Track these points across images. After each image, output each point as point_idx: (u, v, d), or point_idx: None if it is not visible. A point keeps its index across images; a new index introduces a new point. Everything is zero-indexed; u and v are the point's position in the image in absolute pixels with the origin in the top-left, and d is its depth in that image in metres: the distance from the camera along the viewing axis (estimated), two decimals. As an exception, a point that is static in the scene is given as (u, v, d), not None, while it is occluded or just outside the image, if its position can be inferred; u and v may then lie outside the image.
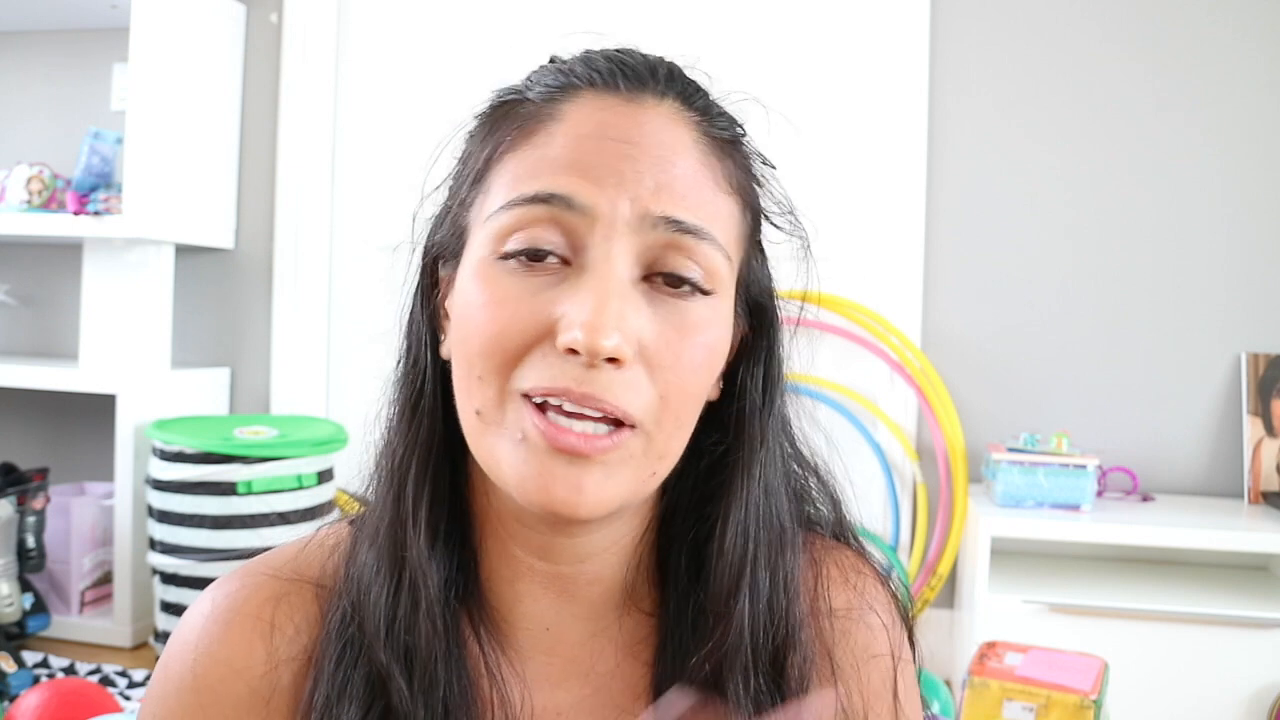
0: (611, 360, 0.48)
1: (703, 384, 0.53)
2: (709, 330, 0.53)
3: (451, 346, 0.55)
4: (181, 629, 0.57)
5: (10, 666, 1.92)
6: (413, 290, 0.59)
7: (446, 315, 0.57)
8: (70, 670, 2.06)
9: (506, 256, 0.51)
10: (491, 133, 0.55)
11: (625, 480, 0.51)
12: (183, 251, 2.46)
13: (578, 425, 0.49)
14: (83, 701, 1.56)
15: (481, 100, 0.58)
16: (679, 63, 0.57)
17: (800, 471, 0.62)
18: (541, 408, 0.50)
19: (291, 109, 2.49)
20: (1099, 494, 2.01)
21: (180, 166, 2.34)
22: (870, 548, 0.67)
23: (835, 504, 0.65)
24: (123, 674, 2.06)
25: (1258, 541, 1.79)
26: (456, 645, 0.55)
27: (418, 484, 0.56)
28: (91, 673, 2.05)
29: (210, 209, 2.46)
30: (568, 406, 0.49)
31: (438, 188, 0.59)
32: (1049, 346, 2.18)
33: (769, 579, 0.57)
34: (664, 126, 0.53)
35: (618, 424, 0.50)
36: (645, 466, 0.52)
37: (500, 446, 0.51)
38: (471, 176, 0.56)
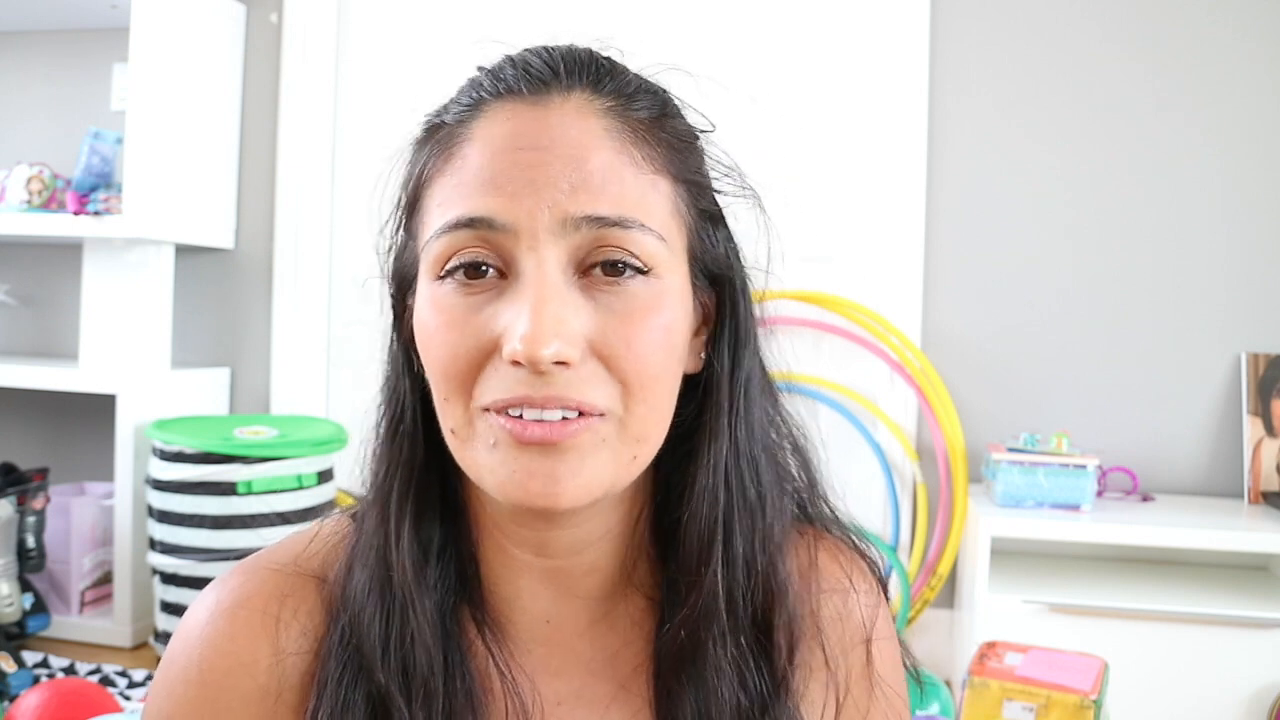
0: (560, 363, 0.49)
1: (663, 364, 0.53)
2: (656, 310, 0.52)
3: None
4: (187, 623, 0.57)
5: (10, 666, 1.92)
6: (390, 320, 0.61)
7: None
8: (70, 670, 2.06)
9: (444, 276, 0.52)
10: (417, 160, 0.57)
11: (603, 464, 0.52)
12: (183, 251, 2.46)
13: (545, 415, 0.50)
14: (83, 701, 1.56)
15: (415, 125, 0.60)
16: (594, 46, 0.57)
17: (776, 440, 0.62)
18: (505, 414, 0.51)
19: (291, 109, 2.49)
20: (1099, 494, 2.01)
21: (180, 166, 2.34)
22: (849, 523, 0.67)
23: (810, 472, 0.65)
24: (123, 674, 2.06)
25: (1258, 541, 1.79)
26: (457, 654, 0.56)
27: (400, 504, 0.57)
28: (91, 673, 2.05)
29: (210, 209, 2.46)
30: (529, 414, 0.50)
31: (389, 221, 0.60)
32: (1049, 346, 2.18)
33: (744, 542, 0.58)
34: (572, 123, 0.52)
35: (581, 415, 0.51)
36: (624, 451, 0.53)
37: (478, 457, 0.52)
38: (408, 204, 0.58)
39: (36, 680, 1.95)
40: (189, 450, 2.03)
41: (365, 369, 2.52)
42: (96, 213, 2.23)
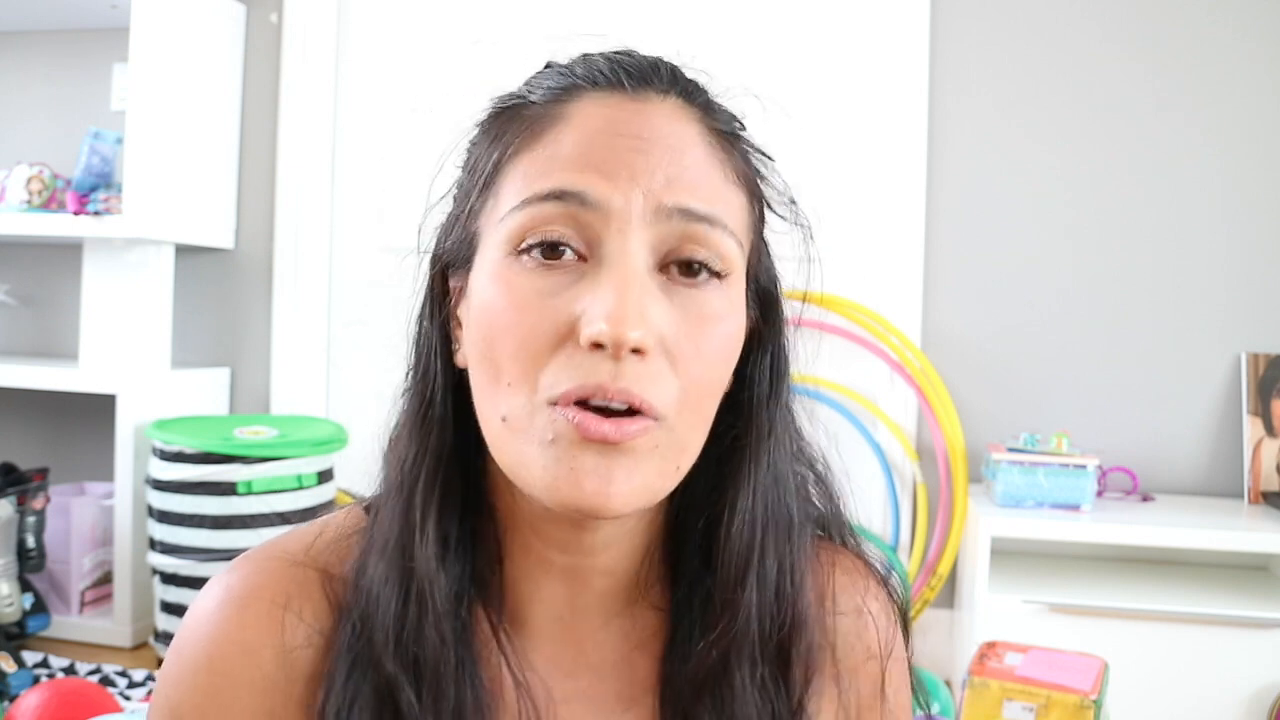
0: (636, 351, 0.49)
1: (721, 375, 0.54)
2: (726, 319, 0.53)
3: (469, 354, 0.54)
4: (195, 613, 0.57)
5: (10, 666, 1.92)
6: (422, 300, 0.59)
7: (459, 324, 0.57)
8: (70, 670, 2.06)
9: (522, 252, 0.51)
10: (497, 138, 0.56)
11: (651, 473, 0.51)
12: (183, 251, 2.46)
13: (613, 405, 0.49)
14: (83, 701, 1.56)
15: (482, 107, 0.58)
16: (677, 62, 0.58)
17: (799, 470, 0.63)
18: (574, 406, 0.49)
19: (291, 109, 2.49)
20: (1099, 494, 2.01)
21: (180, 166, 2.34)
22: (869, 548, 0.67)
23: (834, 501, 0.65)
24: (123, 674, 2.06)
25: (1258, 541, 1.79)
26: (468, 649, 0.55)
27: (426, 494, 0.56)
28: (91, 673, 2.05)
29: (210, 209, 2.46)
30: (595, 402, 0.49)
31: (443, 198, 0.59)
32: (1049, 346, 2.18)
33: (776, 567, 0.58)
34: (670, 121, 0.53)
35: (641, 414, 0.50)
36: (669, 460, 0.52)
37: (528, 451, 0.50)
38: (480, 183, 0.56)
39: (36, 680, 1.95)
40: (189, 450, 2.03)
41: (365, 369, 2.52)
42: (96, 213, 2.23)
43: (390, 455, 0.59)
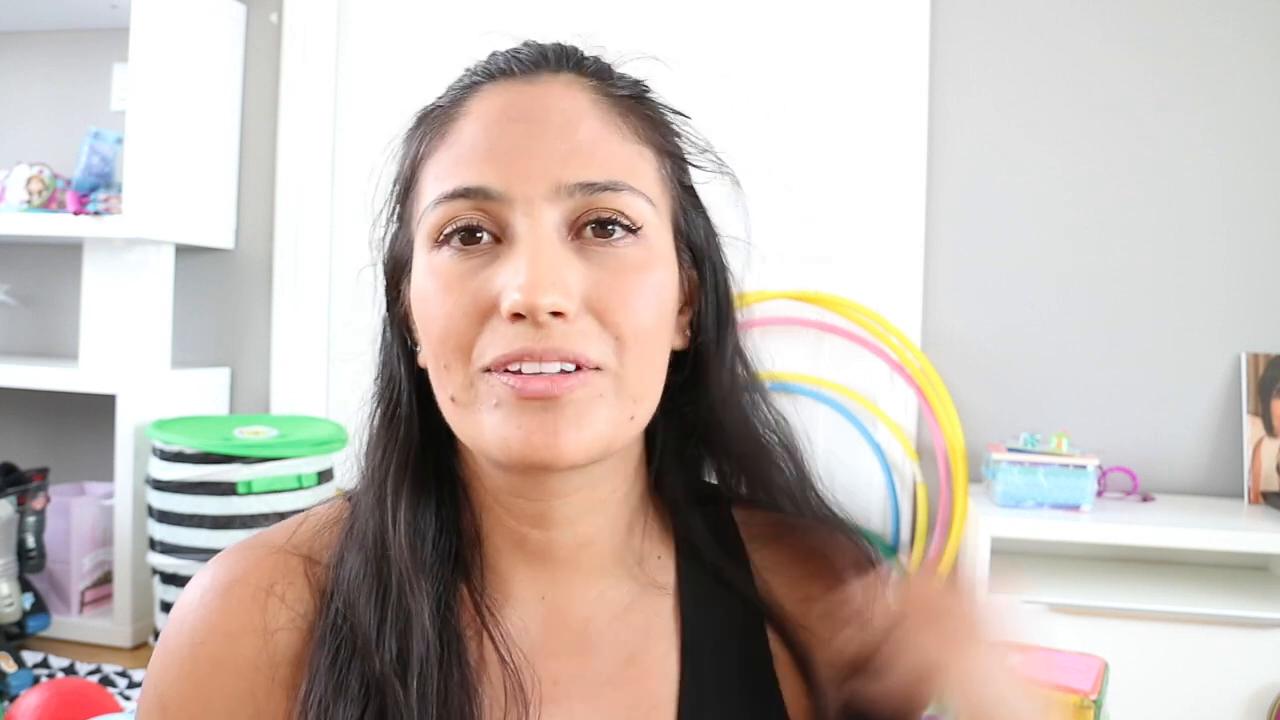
0: (557, 315, 0.51)
1: (655, 320, 0.55)
2: (647, 268, 0.54)
3: (423, 351, 0.57)
4: (181, 602, 0.58)
5: (10, 666, 1.92)
6: (381, 309, 0.62)
7: (415, 323, 0.59)
8: (70, 670, 2.06)
9: (441, 243, 0.54)
10: (411, 143, 0.60)
11: (602, 419, 0.53)
12: (183, 251, 2.46)
13: (545, 368, 0.51)
14: (83, 701, 1.56)
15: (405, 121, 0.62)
16: (577, 42, 0.60)
17: (761, 428, 0.65)
18: (505, 371, 0.52)
19: (291, 109, 2.49)
20: (1099, 494, 2.01)
21: (180, 166, 2.33)
22: (841, 509, 0.68)
23: (799, 463, 0.66)
24: (123, 674, 2.06)
25: (1258, 541, 1.78)
26: (454, 636, 0.56)
27: (396, 488, 0.58)
28: (91, 673, 2.05)
29: (210, 209, 2.46)
30: (528, 368, 0.51)
31: (381, 211, 0.62)
32: (1049, 346, 2.18)
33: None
34: (562, 96, 0.55)
35: (579, 369, 0.52)
36: (621, 408, 0.54)
37: (479, 420, 0.53)
38: (402, 188, 0.60)
39: (36, 680, 1.95)
40: (189, 450, 2.03)
41: (364, 369, 2.51)
42: (96, 213, 2.23)
43: (364, 455, 0.61)
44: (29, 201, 2.32)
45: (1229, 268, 2.11)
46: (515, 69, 0.57)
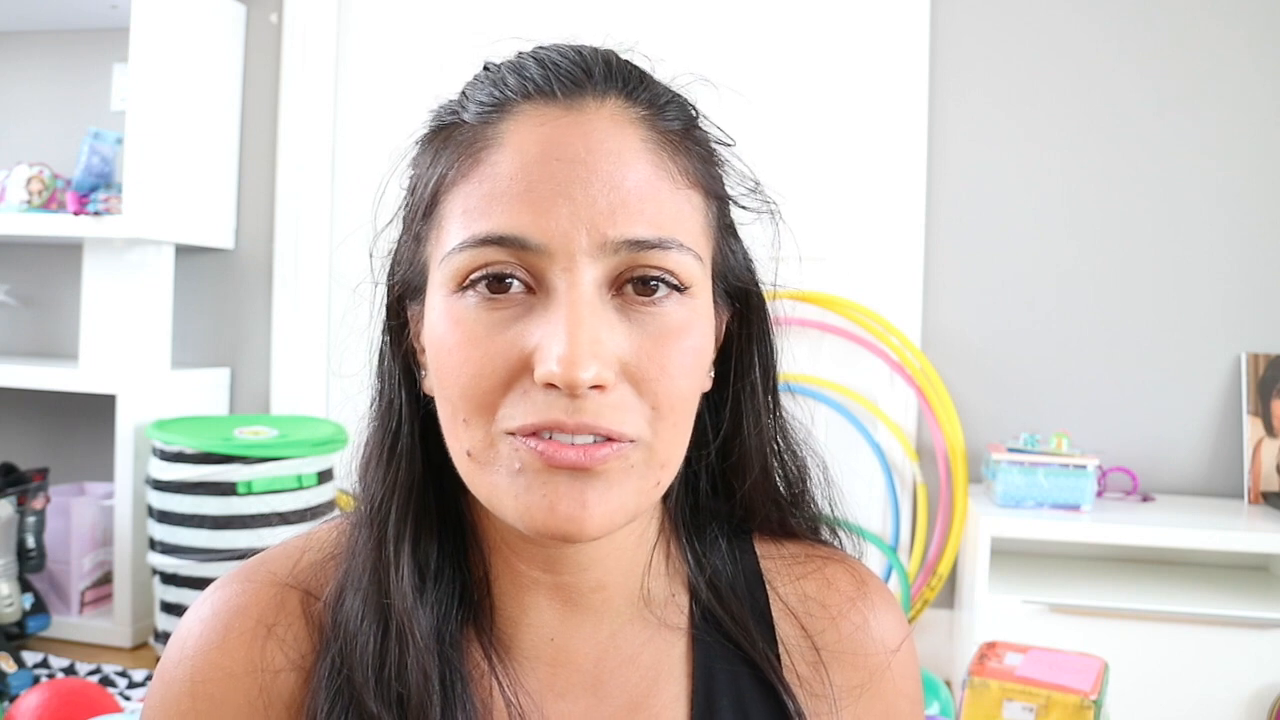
0: (595, 388, 0.47)
1: (692, 388, 0.52)
2: (689, 333, 0.51)
3: (433, 384, 0.53)
4: (180, 633, 0.57)
5: (10, 666, 1.92)
6: (381, 330, 0.58)
7: (422, 350, 0.56)
8: (70, 670, 2.06)
9: (466, 288, 0.50)
10: (434, 161, 0.54)
11: (629, 492, 0.50)
12: (183, 251, 2.46)
13: (578, 439, 0.48)
14: (83, 701, 1.56)
15: (420, 123, 0.56)
16: (617, 50, 0.55)
17: (789, 459, 0.63)
18: (535, 435, 0.48)
19: (291, 109, 2.49)
20: (1099, 494, 2.01)
21: (180, 166, 2.34)
22: (869, 548, 0.67)
23: (831, 502, 0.65)
24: (123, 674, 2.06)
25: (1258, 541, 1.79)
26: (458, 678, 0.54)
27: (398, 527, 0.55)
28: (91, 673, 2.05)
29: (210, 209, 2.46)
30: (560, 438, 0.48)
31: (390, 223, 0.58)
32: (1049, 346, 2.18)
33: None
34: (610, 133, 0.50)
35: (610, 439, 0.49)
36: (648, 477, 0.51)
37: (498, 482, 0.50)
38: (422, 209, 0.54)
39: (36, 680, 1.95)
40: (189, 450, 2.03)
41: (364, 369, 2.52)
42: (96, 213, 2.23)
43: (360, 486, 0.58)
44: (29, 201, 2.32)
45: (1229, 268, 2.11)
46: (556, 90, 0.51)
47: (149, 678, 2.04)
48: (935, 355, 2.21)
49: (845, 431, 2.21)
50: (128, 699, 1.87)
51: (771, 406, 0.60)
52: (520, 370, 0.48)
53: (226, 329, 2.56)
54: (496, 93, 0.52)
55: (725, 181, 0.57)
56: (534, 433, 0.48)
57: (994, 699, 1.26)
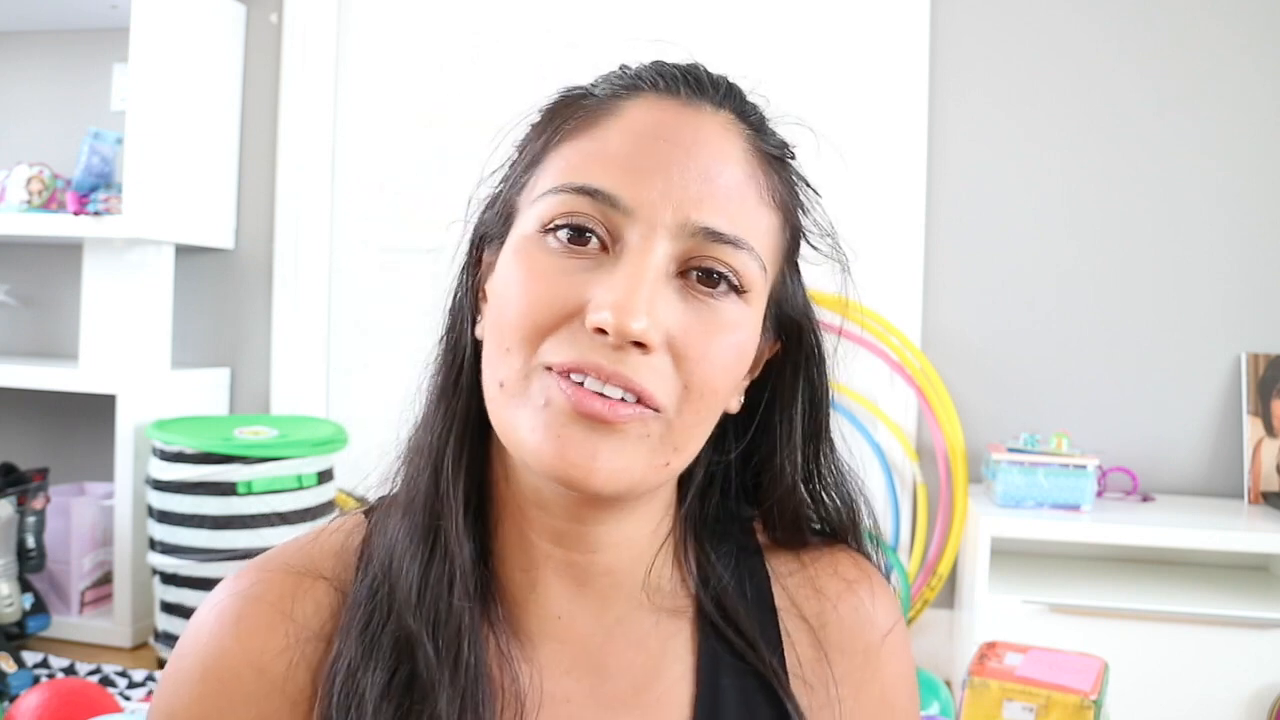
0: (638, 345, 0.50)
1: (727, 382, 0.54)
2: (738, 331, 0.54)
3: (486, 325, 0.56)
4: (196, 622, 0.57)
5: (10, 666, 1.92)
6: (459, 269, 0.61)
7: (485, 297, 0.58)
8: (70, 670, 2.06)
9: (549, 231, 0.52)
10: (551, 122, 0.57)
11: (640, 458, 0.52)
12: (183, 251, 2.46)
13: (608, 390, 0.50)
14: (83, 701, 1.56)
15: (548, 95, 0.60)
16: (743, 85, 0.59)
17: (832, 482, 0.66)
18: (568, 377, 0.50)
19: (291, 109, 2.49)
20: (1099, 494, 2.01)
21: (180, 166, 2.34)
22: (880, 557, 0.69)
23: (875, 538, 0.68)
24: (123, 674, 2.06)
25: (1258, 541, 1.79)
26: (478, 622, 0.56)
27: (455, 458, 0.57)
28: (91, 673, 2.05)
29: (210, 209, 2.46)
30: (591, 384, 0.50)
31: (494, 172, 0.61)
32: (1049, 346, 2.18)
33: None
34: (717, 134, 0.54)
35: (640, 403, 0.51)
36: (660, 453, 0.53)
37: (521, 415, 0.52)
38: (526, 161, 0.58)
39: (36, 680, 1.95)
40: (189, 450, 2.03)
41: (364, 369, 2.52)
42: (96, 213, 2.23)
43: (420, 420, 0.60)
44: (29, 201, 2.32)
45: (1229, 268, 2.11)
46: (681, 89, 0.56)
47: (149, 678, 2.04)
48: (935, 355, 2.21)
49: (845, 431, 2.20)
50: (128, 699, 1.87)
51: (813, 443, 0.63)
52: (574, 313, 0.51)
53: (226, 329, 2.56)
54: (628, 78, 0.57)
55: (803, 222, 0.61)
56: (569, 373, 0.50)
57: (994, 699, 1.26)
